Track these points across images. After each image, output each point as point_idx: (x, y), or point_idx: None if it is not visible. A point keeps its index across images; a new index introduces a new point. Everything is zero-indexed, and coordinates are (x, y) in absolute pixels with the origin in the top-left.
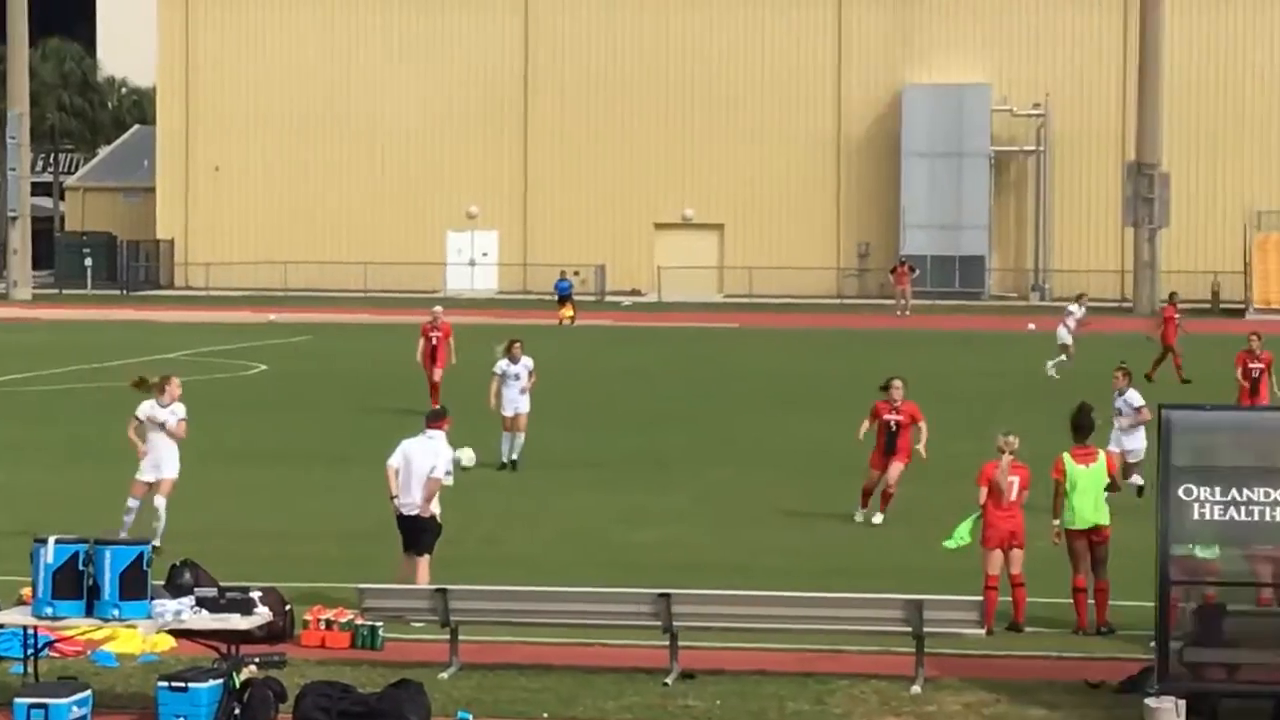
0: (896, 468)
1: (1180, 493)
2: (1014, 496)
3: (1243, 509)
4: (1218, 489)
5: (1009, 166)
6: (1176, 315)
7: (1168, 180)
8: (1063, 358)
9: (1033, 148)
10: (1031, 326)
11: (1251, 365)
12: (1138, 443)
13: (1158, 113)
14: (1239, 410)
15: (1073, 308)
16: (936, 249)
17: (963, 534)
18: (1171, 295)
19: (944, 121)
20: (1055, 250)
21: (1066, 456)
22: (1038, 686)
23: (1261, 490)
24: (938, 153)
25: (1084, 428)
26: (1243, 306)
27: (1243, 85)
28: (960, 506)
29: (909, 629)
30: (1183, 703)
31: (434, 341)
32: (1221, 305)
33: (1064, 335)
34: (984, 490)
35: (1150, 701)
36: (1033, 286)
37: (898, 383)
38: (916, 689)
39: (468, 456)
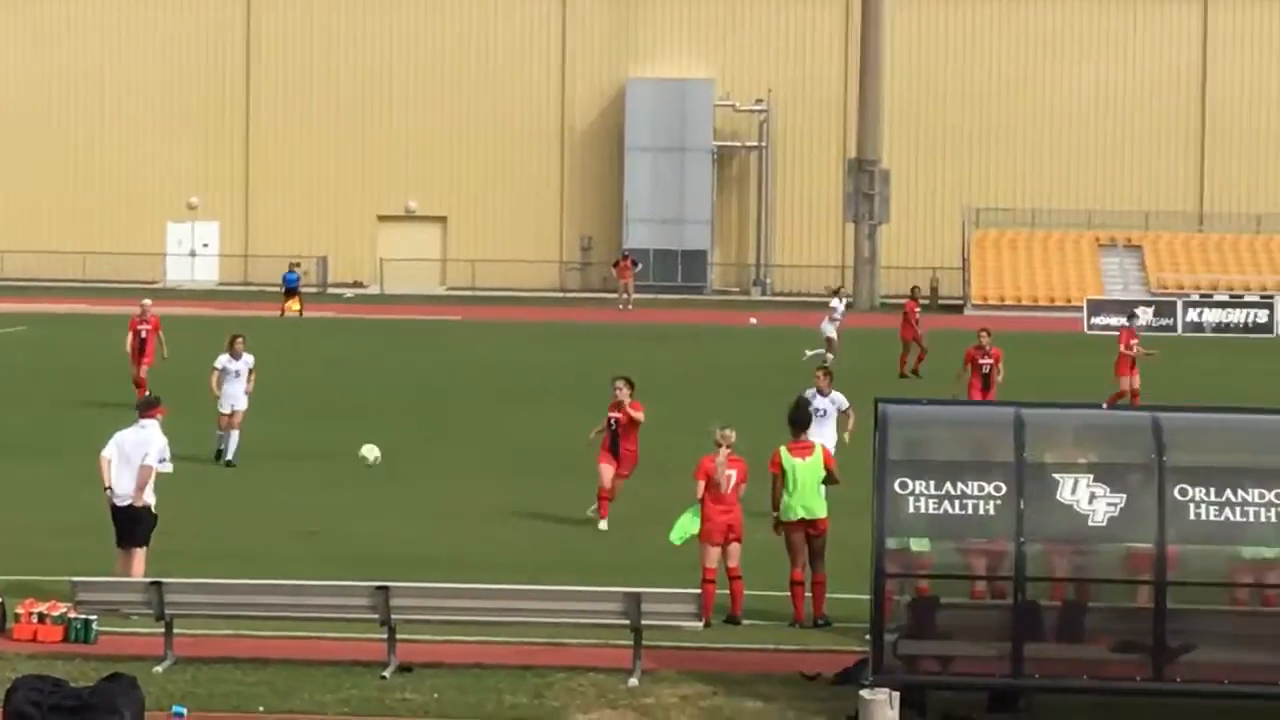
0: (616, 480)
1: (895, 486)
2: (730, 490)
3: (957, 503)
4: (932, 483)
5: (732, 162)
6: (917, 310)
7: (888, 177)
8: (823, 350)
9: (755, 143)
10: (753, 321)
11: (982, 361)
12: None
13: (878, 110)
14: (954, 404)
15: (835, 303)
16: (659, 243)
17: (685, 527)
18: (913, 290)
19: (667, 116)
20: (777, 245)
21: (784, 450)
22: (754, 679)
23: (975, 484)
24: (660, 147)
25: (801, 422)
26: (961, 302)
27: (963, 83)
28: (679, 500)
29: (627, 622)
30: (896, 694)
31: (142, 335)
32: (940, 301)
33: (828, 329)
34: (701, 484)
35: (865, 693)
36: (754, 281)
37: (619, 383)
38: (634, 681)
39: (373, 454)
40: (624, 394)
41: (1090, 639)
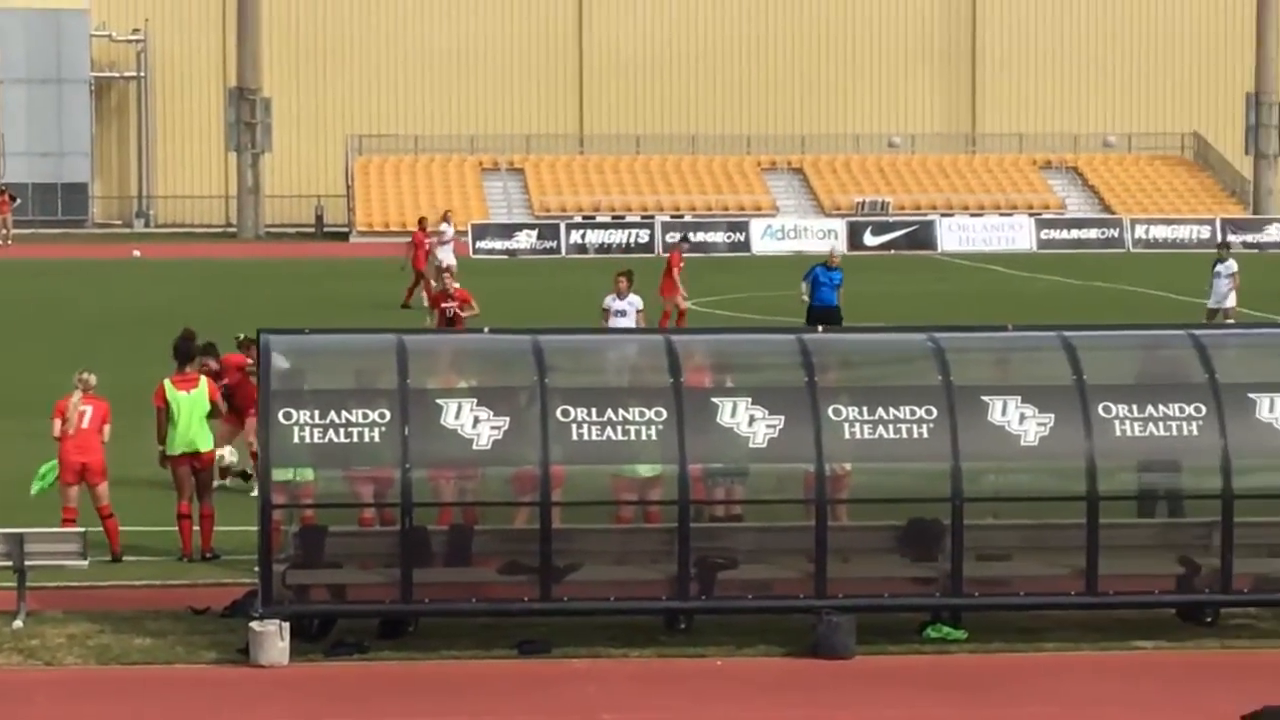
0: None
1: (279, 417)
2: (86, 426)
3: (341, 431)
4: (316, 412)
5: (110, 93)
6: (427, 241)
7: (269, 105)
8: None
9: (134, 73)
10: (136, 253)
11: (445, 305)
12: None
13: (258, 37)
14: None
15: (444, 227)
16: (38, 177)
17: (45, 476)
18: (421, 221)
19: (42, 47)
20: (160, 177)
21: (168, 383)
22: (143, 615)
23: (360, 412)
24: (36, 79)
25: (186, 355)
26: (347, 230)
27: (342, 8)
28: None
29: (10, 563)
30: (286, 625)
31: None
32: (325, 229)
33: (447, 256)
34: (58, 423)
35: (254, 625)
36: (137, 214)
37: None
38: (19, 623)
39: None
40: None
41: (478, 562)
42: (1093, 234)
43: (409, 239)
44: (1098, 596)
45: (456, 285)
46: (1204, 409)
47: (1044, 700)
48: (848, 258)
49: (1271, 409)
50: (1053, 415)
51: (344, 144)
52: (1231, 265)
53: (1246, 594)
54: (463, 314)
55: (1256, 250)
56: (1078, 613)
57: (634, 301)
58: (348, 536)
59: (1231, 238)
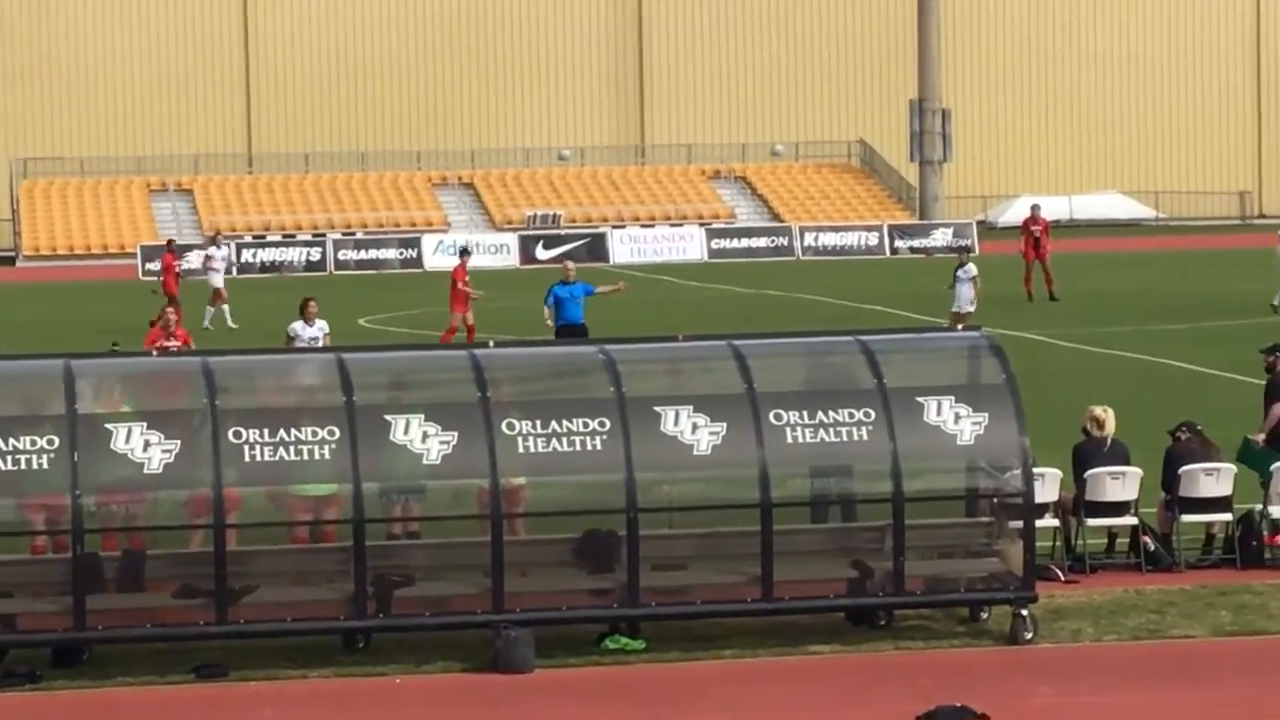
0: None
1: None
2: None
3: (9, 459)
4: None
5: None
6: (177, 264)
7: None
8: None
9: None
10: None
11: (165, 345)
12: None
13: None
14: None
15: (214, 250)
16: None
17: None
18: (169, 243)
19: None
20: None
21: None
22: None
23: (28, 439)
24: None
25: None
26: (13, 254)
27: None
28: None
29: None
30: None
31: None
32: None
33: (216, 280)
34: None
35: None
36: None
37: None
38: None
39: None
40: None
41: (152, 587)
42: (763, 242)
43: (160, 261)
44: (773, 602)
45: (179, 327)
46: (873, 414)
47: (722, 707)
48: (520, 272)
49: (939, 412)
50: (725, 424)
51: (8, 167)
52: (971, 269)
53: (919, 595)
54: None
55: (924, 255)
56: (754, 619)
57: (322, 326)
58: (18, 565)
59: (899, 243)
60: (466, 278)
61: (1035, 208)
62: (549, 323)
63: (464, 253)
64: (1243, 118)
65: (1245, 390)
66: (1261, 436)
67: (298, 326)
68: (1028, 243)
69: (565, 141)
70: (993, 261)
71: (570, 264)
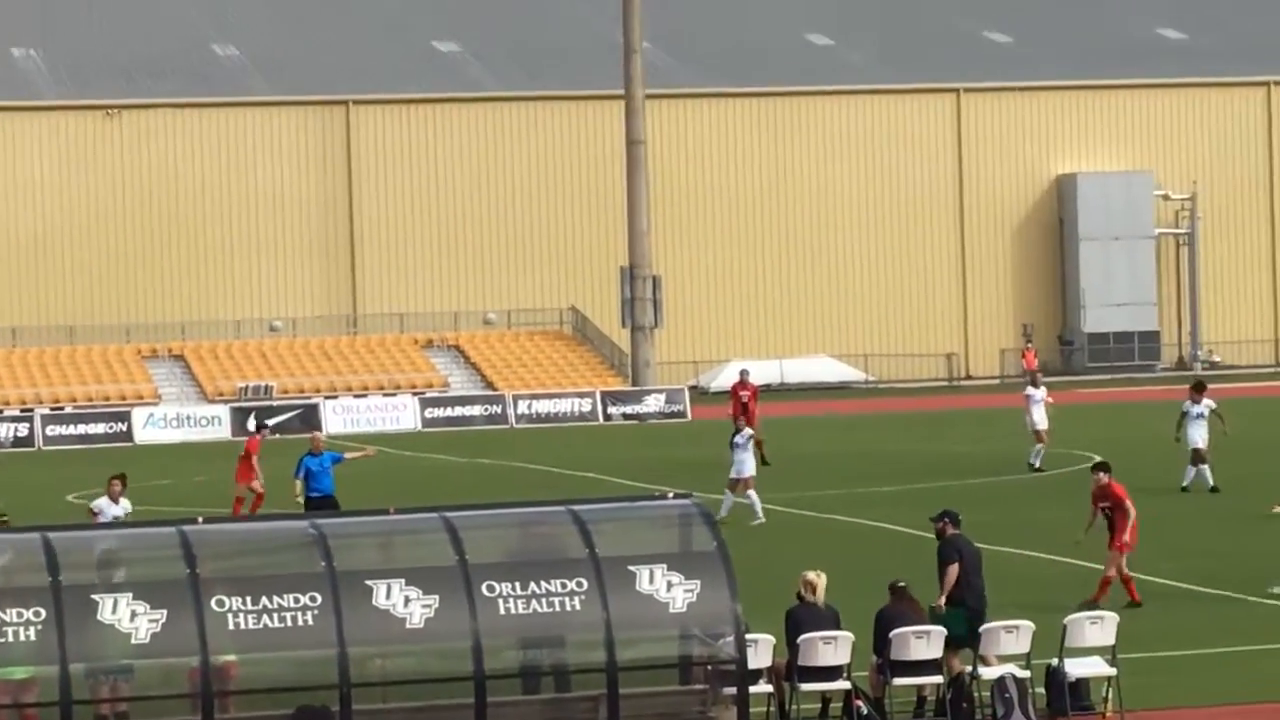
0: None
1: None
2: None
3: None
4: None
5: None
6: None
7: None
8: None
9: None
10: None
11: None
12: None
13: None
14: None
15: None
16: None
17: None
18: None
19: None
20: None
21: None
22: None
23: None
24: None
25: None
26: None
27: None
28: None
29: None
30: None
31: None
32: None
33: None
34: None
35: None
36: None
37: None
38: None
39: None
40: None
41: None
42: (476, 410)
43: None
44: None
45: None
46: (585, 583)
47: None
48: (233, 443)
49: (651, 580)
50: (437, 597)
51: None
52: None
53: None
54: None
55: (636, 421)
56: None
57: (125, 506)
58: None
59: (612, 409)
60: (257, 450)
61: (744, 372)
62: (298, 498)
63: (261, 426)
64: (948, 281)
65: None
66: (942, 601)
67: (102, 503)
68: (736, 407)
69: (276, 312)
70: (704, 426)
71: (319, 434)
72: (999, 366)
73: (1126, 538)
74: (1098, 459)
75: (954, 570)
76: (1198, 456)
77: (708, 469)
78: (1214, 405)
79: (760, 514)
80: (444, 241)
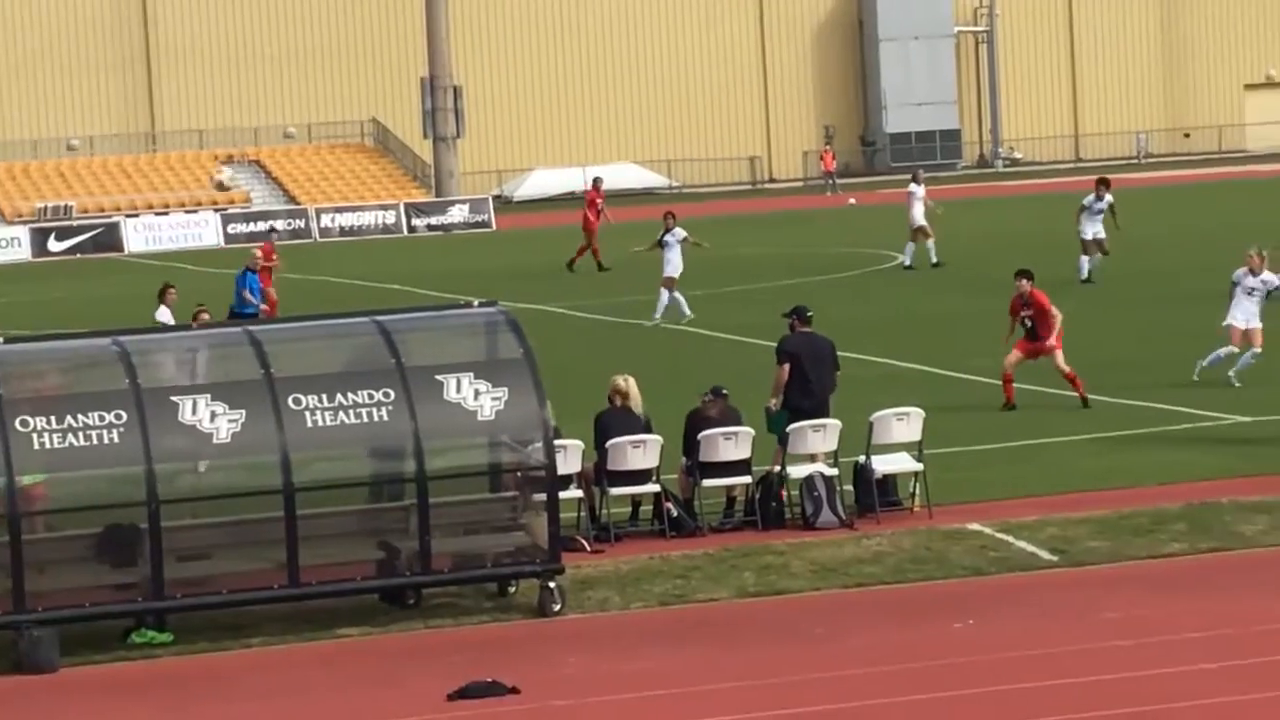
0: None
1: None
2: None
3: None
4: None
5: None
6: None
7: None
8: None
9: None
10: None
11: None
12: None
13: None
14: None
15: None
16: None
17: None
18: None
19: None
20: None
21: None
22: None
23: None
24: None
25: None
26: None
27: None
28: None
29: None
30: None
31: None
32: None
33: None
34: None
35: None
36: None
37: None
38: None
39: None
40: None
41: None
42: (279, 225)
43: None
44: (300, 588)
45: None
46: (393, 394)
47: (252, 696)
48: (33, 265)
49: (459, 389)
50: (244, 411)
51: None
52: (680, 232)
53: (446, 573)
54: None
55: (441, 232)
56: (283, 605)
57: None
58: None
59: (416, 221)
60: (274, 255)
61: (597, 180)
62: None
63: (270, 231)
64: (749, 84)
65: (766, 354)
66: (774, 402)
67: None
68: (592, 215)
69: (74, 131)
70: (512, 235)
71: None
72: (802, 169)
73: (1053, 340)
74: (1021, 268)
75: (782, 372)
76: (1099, 247)
77: (514, 278)
78: (1112, 200)
79: (687, 311)
80: (242, 56)
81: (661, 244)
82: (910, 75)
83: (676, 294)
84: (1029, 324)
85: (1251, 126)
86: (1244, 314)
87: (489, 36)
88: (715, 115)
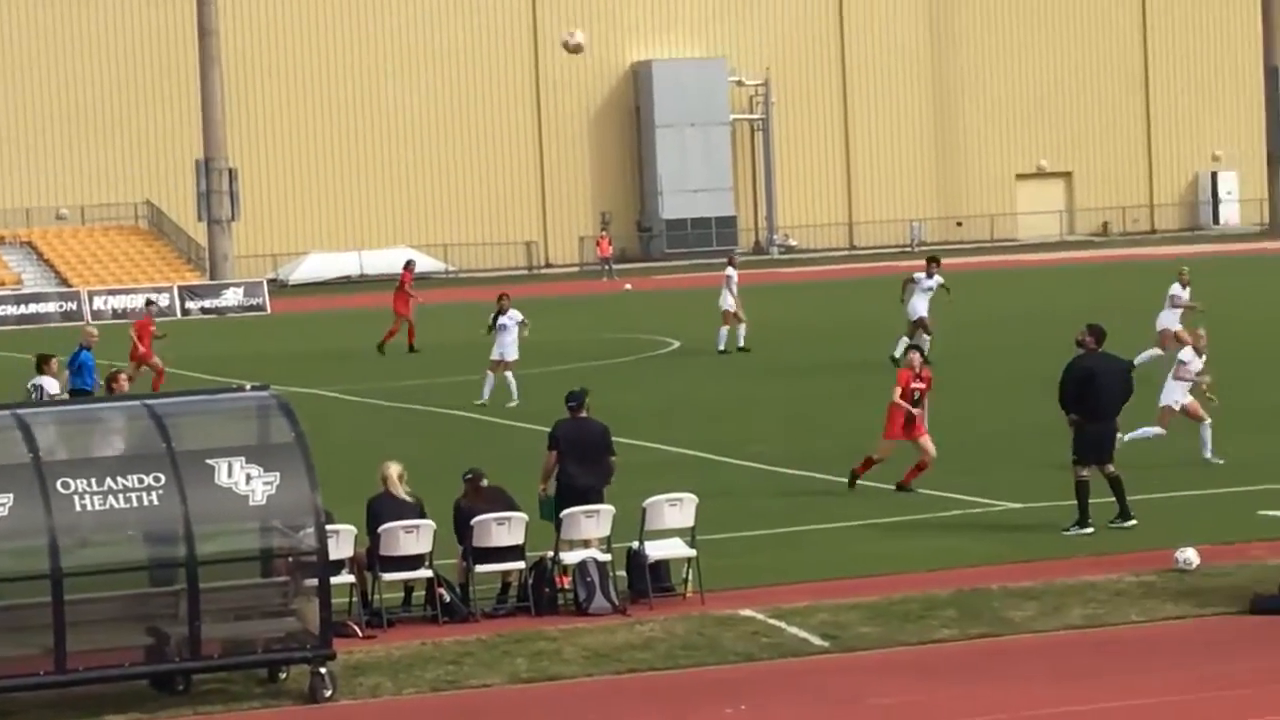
0: None
1: None
2: None
3: None
4: None
5: None
6: None
7: None
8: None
9: None
10: None
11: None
12: None
13: None
14: None
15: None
16: None
17: None
18: None
19: None
20: None
21: None
22: None
23: None
24: None
25: None
26: None
27: None
28: None
29: None
30: None
31: None
32: None
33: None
34: None
35: None
36: None
37: None
38: None
39: None
40: None
41: None
42: (52, 308)
43: None
44: (66, 674)
45: None
46: (163, 478)
47: None
48: None
49: (230, 473)
50: (11, 495)
51: None
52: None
53: (216, 659)
54: None
55: (216, 316)
56: (50, 691)
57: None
58: None
59: (190, 304)
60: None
61: (410, 263)
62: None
63: (149, 304)
64: (526, 169)
65: (535, 438)
66: (543, 488)
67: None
68: (403, 297)
69: None
70: (286, 319)
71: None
72: (578, 254)
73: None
74: (909, 342)
75: (550, 458)
76: (922, 326)
77: (288, 362)
78: (943, 280)
79: (516, 395)
80: (14, 135)
81: (495, 326)
82: (686, 162)
83: (509, 375)
84: (917, 397)
85: (1023, 215)
86: (1170, 395)
87: (264, 119)
88: (492, 199)
